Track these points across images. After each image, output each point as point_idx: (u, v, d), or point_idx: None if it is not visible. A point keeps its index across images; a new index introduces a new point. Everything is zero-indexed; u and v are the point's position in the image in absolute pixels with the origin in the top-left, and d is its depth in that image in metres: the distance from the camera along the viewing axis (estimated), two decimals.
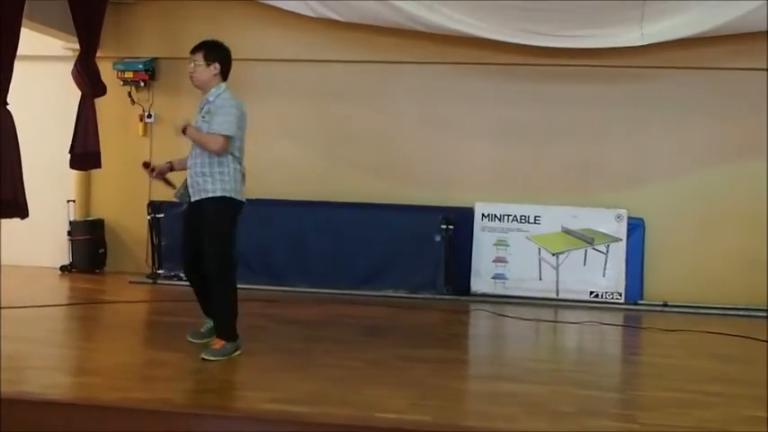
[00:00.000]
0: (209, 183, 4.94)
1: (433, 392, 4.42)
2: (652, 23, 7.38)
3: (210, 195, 4.93)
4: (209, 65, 5.00)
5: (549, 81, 8.16)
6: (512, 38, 7.62)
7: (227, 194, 4.94)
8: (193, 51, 5.06)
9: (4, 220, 6.88)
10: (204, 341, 5.09)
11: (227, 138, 4.91)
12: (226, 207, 4.96)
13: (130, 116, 8.74)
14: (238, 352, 5.01)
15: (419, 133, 8.37)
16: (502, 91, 8.25)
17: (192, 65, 5.02)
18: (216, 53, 5.04)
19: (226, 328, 5.00)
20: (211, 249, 4.90)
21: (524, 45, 7.64)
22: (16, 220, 6.86)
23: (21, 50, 6.83)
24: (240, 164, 5.06)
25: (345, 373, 4.73)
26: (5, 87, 6.68)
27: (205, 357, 4.86)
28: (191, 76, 5.05)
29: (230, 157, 4.97)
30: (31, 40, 7.54)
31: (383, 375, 4.74)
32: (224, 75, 5.08)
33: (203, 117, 4.99)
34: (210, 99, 5.02)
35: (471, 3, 7.54)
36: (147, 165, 5.32)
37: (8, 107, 6.73)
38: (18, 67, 6.79)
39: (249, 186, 7.76)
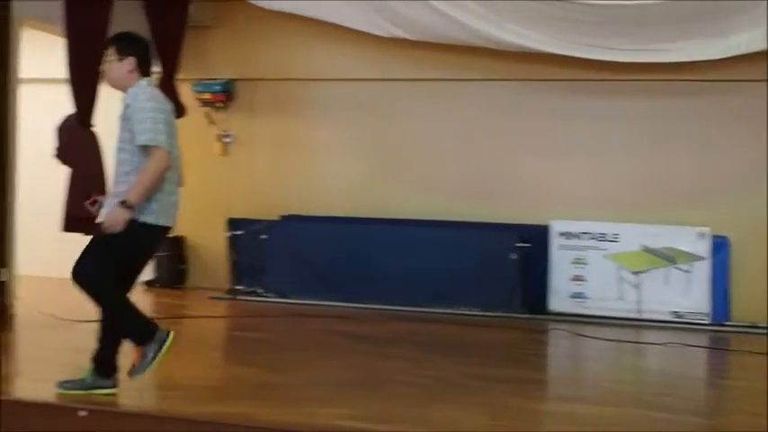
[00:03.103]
0: None
1: (507, 412, 4.35)
2: (731, 36, 7.14)
3: None
4: (121, 59, 4.25)
5: (622, 96, 7.98)
6: (582, 53, 7.49)
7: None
8: (106, 46, 4.37)
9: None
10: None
11: (160, 149, 4.11)
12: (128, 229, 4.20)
13: (209, 136, 8.89)
14: (167, 344, 4.32)
15: (491, 151, 8.30)
16: (574, 107, 8.11)
17: (105, 62, 4.32)
18: (130, 45, 4.31)
19: (134, 334, 4.37)
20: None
21: (596, 60, 7.49)
22: None
23: None
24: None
25: (418, 392, 4.70)
26: (91, 110, 6.96)
27: (133, 376, 4.27)
28: (104, 76, 4.35)
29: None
30: None
31: (456, 394, 4.70)
32: (143, 70, 4.32)
33: (121, 125, 4.22)
34: (128, 102, 4.20)
35: (543, 18, 7.42)
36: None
37: (93, 129, 7.01)
38: (102, 90, 7.05)
39: (317, 204, 7.83)
